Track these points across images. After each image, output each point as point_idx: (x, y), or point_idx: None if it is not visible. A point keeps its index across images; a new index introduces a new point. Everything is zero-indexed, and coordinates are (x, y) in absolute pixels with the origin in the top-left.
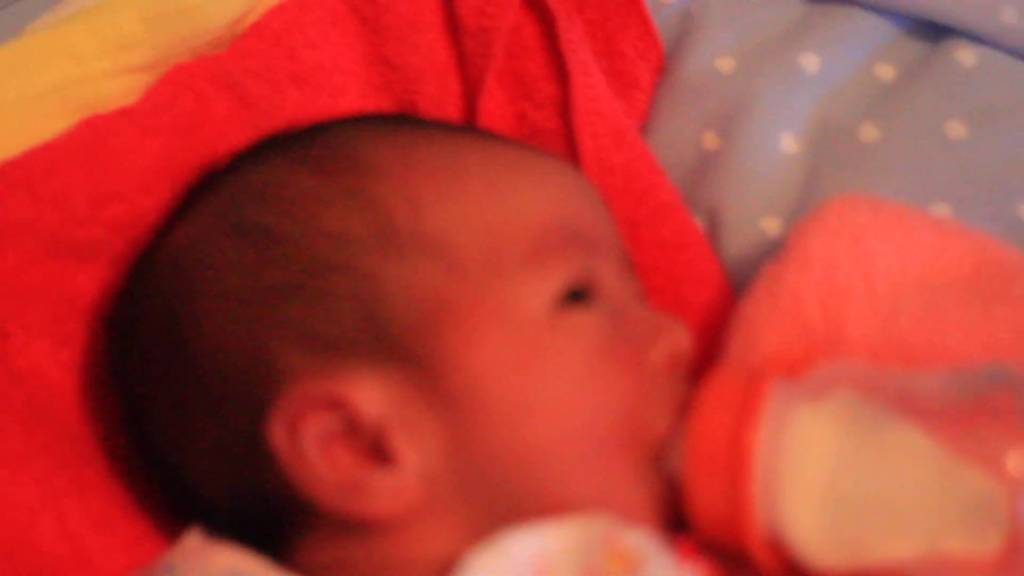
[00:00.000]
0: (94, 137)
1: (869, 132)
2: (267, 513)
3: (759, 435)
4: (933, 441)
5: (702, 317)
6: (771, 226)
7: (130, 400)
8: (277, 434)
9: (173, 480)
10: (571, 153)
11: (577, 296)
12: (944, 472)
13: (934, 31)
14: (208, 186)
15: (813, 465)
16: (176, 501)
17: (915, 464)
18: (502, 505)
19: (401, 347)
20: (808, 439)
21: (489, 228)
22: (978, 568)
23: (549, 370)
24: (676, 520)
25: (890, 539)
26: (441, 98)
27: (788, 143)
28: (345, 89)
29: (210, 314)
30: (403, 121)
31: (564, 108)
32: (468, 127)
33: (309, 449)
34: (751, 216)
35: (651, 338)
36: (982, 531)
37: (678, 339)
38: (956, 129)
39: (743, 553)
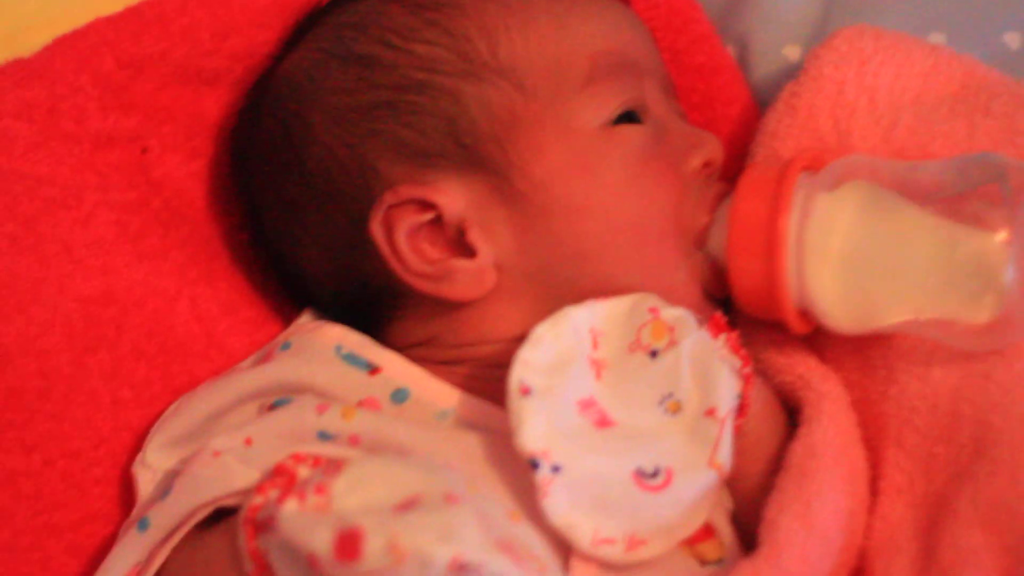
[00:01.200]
0: None
1: None
2: (366, 298)
3: (789, 219)
4: (934, 218)
5: (733, 130)
6: (792, 53)
7: (250, 202)
8: (375, 229)
9: (287, 271)
10: None
11: (629, 117)
12: (945, 241)
13: None
14: (314, 21)
15: (833, 241)
16: (290, 290)
17: (919, 235)
18: (565, 289)
19: (478, 156)
20: (829, 220)
21: (554, 56)
22: (973, 330)
23: (601, 175)
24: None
25: (897, 302)
26: None
27: None
28: None
29: (319, 127)
30: None
31: None
32: None
33: (401, 242)
34: (775, 44)
35: (689, 148)
36: (977, 295)
37: (712, 149)
38: None
39: (778, 319)
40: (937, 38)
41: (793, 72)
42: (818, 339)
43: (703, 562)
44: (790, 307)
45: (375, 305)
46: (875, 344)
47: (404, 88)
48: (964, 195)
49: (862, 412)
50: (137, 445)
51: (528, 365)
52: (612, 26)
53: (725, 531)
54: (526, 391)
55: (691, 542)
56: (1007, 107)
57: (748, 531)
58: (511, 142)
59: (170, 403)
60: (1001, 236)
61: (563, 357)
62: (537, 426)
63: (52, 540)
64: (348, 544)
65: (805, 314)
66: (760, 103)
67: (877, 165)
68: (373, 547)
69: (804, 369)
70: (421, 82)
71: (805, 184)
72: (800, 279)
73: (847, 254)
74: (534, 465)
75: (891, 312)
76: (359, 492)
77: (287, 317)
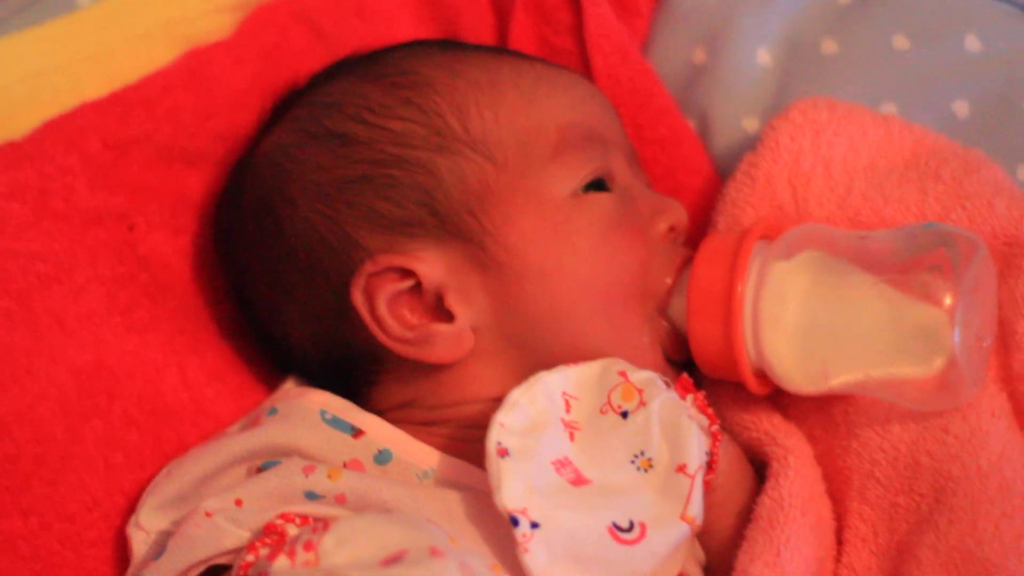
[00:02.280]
0: (197, 65)
1: (829, 46)
2: (349, 363)
3: (745, 286)
4: (884, 284)
5: (695, 199)
6: (750, 125)
7: (234, 275)
8: (356, 297)
9: (271, 340)
10: (585, 69)
11: (597, 186)
12: (894, 308)
13: None
14: (293, 101)
15: (787, 308)
16: (274, 357)
17: (869, 303)
18: (539, 351)
19: (454, 226)
20: (783, 287)
21: (522, 128)
22: (923, 387)
23: (572, 240)
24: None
25: (848, 366)
26: (478, 26)
27: (763, 56)
28: (399, 20)
29: (299, 201)
30: (449, 44)
31: (579, 32)
32: (501, 48)
33: (382, 309)
34: (734, 116)
35: (655, 213)
36: (925, 359)
37: (677, 214)
38: (901, 42)
39: (737, 380)
40: (889, 108)
41: (752, 143)
42: (781, 397)
43: None
44: (748, 370)
45: (357, 370)
46: (836, 401)
47: (380, 162)
48: (914, 260)
49: (826, 466)
50: (130, 507)
51: (504, 428)
52: (578, 100)
53: None
54: (503, 453)
55: None
56: (956, 173)
57: None
58: (484, 211)
59: (161, 467)
60: (947, 302)
61: (537, 420)
62: (515, 485)
63: None
64: None
65: (762, 375)
66: (721, 173)
67: (830, 233)
68: None
69: (769, 426)
70: (396, 156)
71: (761, 252)
72: (756, 343)
73: (800, 320)
74: (514, 522)
75: (843, 375)
76: (347, 548)
77: (272, 384)
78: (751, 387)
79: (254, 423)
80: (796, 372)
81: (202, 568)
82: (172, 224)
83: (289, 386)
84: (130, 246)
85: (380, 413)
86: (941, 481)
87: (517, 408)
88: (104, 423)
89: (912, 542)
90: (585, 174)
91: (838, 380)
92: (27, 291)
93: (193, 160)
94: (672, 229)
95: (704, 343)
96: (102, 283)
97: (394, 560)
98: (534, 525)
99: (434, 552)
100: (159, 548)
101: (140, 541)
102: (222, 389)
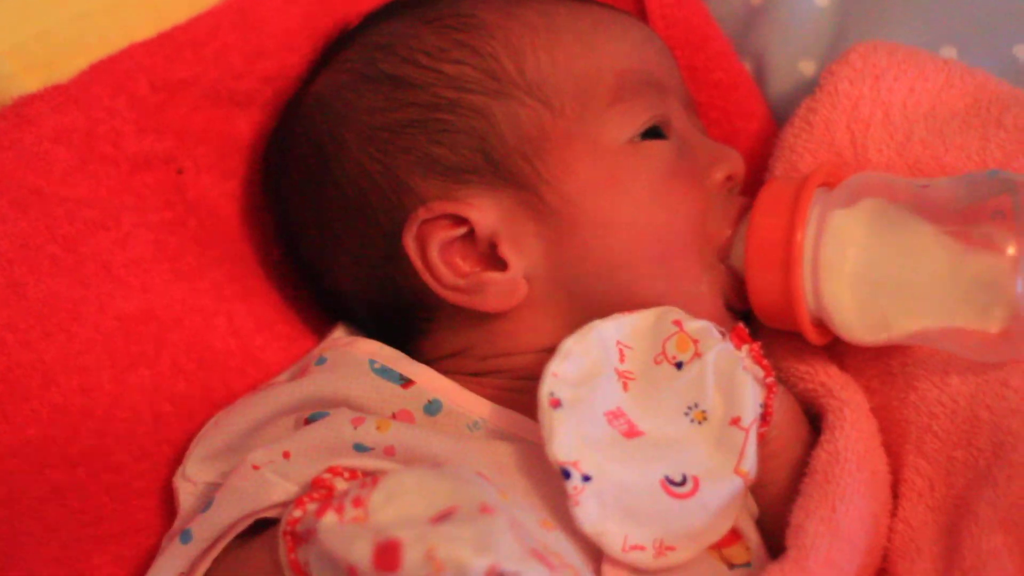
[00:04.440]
0: (246, 4)
1: None
2: (399, 311)
3: (805, 234)
4: (945, 233)
5: (751, 144)
6: (807, 68)
7: (284, 220)
8: (408, 244)
9: (321, 287)
10: (640, 10)
11: (654, 133)
12: (955, 256)
13: None
14: (344, 42)
15: (847, 256)
16: (323, 305)
17: (930, 251)
18: (593, 300)
19: (508, 172)
20: (843, 235)
21: (580, 73)
22: (983, 337)
23: (629, 189)
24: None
25: (909, 316)
26: None
27: None
28: None
29: (351, 145)
30: None
31: None
32: None
33: (434, 256)
34: (791, 60)
35: (713, 162)
36: (988, 309)
37: (734, 163)
38: None
39: (795, 330)
40: (948, 52)
41: (809, 86)
42: (838, 348)
43: (731, 565)
44: (806, 319)
45: (408, 318)
46: (894, 352)
47: (434, 106)
48: (976, 207)
49: (882, 418)
50: (177, 458)
51: (557, 378)
52: (635, 45)
53: (751, 535)
54: (556, 403)
55: (719, 546)
56: (1019, 120)
57: (773, 536)
58: (540, 158)
59: (209, 417)
60: (1010, 251)
61: (591, 370)
62: (567, 437)
63: (98, 552)
64: (387, 556)
65: (821, 325)
66: (777, 117)
67: (890, 181)
68: (412, 558)
69: (825, 377)
70: (451, 100)
71: (821, 200)
72: (816, 292)
73: (860, 269)
74: (565, 475)
75: (903, 324)
76: (396, 504)
77: (321, 331)
78: (810, 337)
79: (302, 372)
80: (856, 321)
81: (250, 521)
82: (221, 167)
83: (338, 334)
84: (178, 190)
85: (430, 363)
86: (1000, 436)
87: (571, 357)
88: (151, 372)
89: (969, 497)
90: (643, 121)
91: (898, 329)
92: (74, 237)
93: (242, 102)
94: (729, 178)
95: (763, 292)
96: (150, 229)
97: (444, 517)
98: (586, 478)
99: (484, 508)
100: (206, 500)
101: (187, 493)
102: (271, 337)
